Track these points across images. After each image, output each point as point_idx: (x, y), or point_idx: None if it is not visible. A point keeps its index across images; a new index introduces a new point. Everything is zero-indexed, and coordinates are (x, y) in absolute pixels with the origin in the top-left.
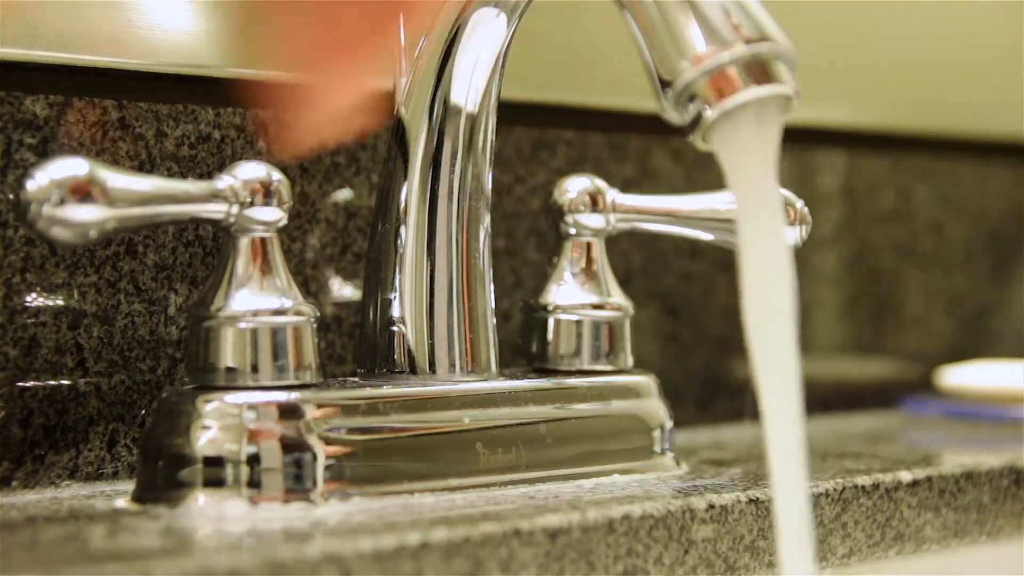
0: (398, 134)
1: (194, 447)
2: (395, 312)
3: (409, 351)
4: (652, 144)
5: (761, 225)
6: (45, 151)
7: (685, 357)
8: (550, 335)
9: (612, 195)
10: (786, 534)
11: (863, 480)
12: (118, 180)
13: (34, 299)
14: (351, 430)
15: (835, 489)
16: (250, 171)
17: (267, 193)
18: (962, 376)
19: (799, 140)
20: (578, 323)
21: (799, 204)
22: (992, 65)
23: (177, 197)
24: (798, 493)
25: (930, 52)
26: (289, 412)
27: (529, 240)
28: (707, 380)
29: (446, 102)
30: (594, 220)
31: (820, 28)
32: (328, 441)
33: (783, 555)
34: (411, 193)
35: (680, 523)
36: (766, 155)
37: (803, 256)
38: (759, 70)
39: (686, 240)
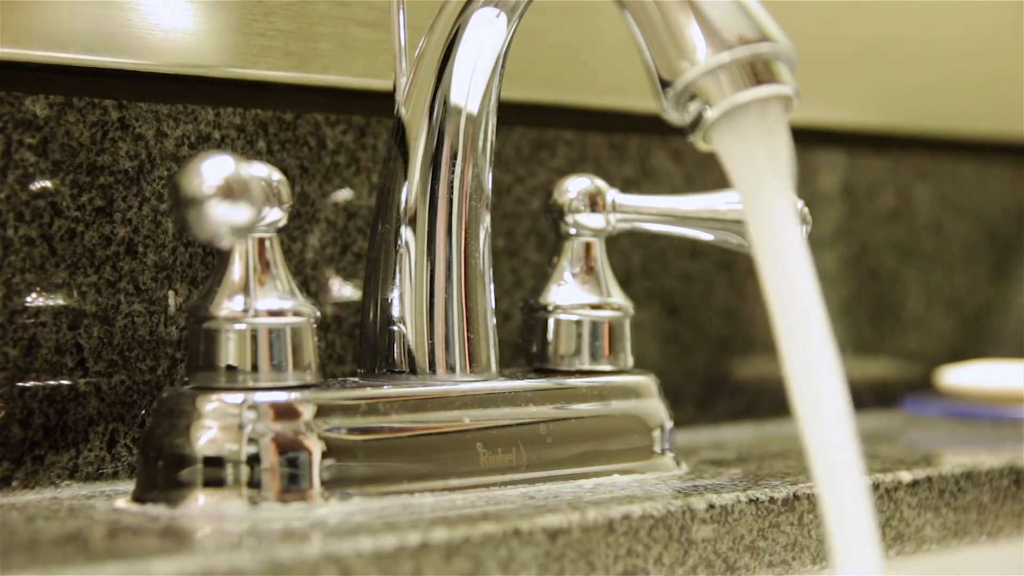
0: (398, 134)
1: (194, 447)
2: (395, 312)
3: (409, 351)
4: (652, 144)
5: (770, 226)
6: (45, 151)
7: (685, 357)
8: (550, 335)
9: (612, 195)
10: (841, 531)
11: None
12: None
13: (34, 299)
14: (351, 430)
15: None
16: (251, 172)
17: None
18: (962, 376)
19: (799, 140)
20: (578, 323)
21: (799, 204)
22: (992, 65)
23: None
24: (853, 487)
25: (930, 52)
26: (289, 412)
27: (529, 240)
28: (707, 380)
29: (446, 102)
30: (594, 220)
31: (820, 28)
32: (328, 441)
33: (838, 555)
34: (411, 193)
35: (680, 523)
36: (771, 154)
37: None
38: (759, 70)
39: (686, 240)
